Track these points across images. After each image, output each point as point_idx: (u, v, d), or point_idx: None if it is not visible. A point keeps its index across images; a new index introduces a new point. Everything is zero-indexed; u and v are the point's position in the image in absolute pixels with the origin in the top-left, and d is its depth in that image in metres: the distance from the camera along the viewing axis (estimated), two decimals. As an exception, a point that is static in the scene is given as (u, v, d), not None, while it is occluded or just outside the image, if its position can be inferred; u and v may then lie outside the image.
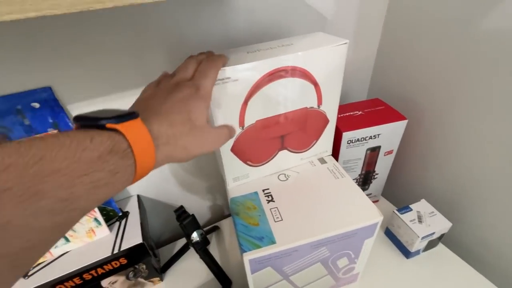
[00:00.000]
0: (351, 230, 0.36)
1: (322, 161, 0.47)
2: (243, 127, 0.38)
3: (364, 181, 0.57)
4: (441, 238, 0.52)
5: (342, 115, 0.51)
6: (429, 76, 0.51)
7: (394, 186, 0.68)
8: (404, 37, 0.54)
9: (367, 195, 0.60)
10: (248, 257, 0.33)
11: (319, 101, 0.40)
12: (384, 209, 0.56)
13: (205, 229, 0.60)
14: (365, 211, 0.37)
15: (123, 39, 0.39)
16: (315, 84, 0.38)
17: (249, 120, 0.37)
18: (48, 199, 0.14)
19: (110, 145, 0.18)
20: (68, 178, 0.15)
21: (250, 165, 0.43)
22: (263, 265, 0.35)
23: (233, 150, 0.39)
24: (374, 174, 0.56)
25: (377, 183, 0.59)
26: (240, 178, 0.43)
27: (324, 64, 0.37)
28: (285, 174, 0.45)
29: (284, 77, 0.35)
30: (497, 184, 0.46)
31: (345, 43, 0.36)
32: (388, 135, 0.50)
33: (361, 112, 0.52)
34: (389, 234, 0.55)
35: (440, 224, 0.49)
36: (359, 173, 0.55)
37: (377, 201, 0.63)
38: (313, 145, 0.45)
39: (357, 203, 0.38)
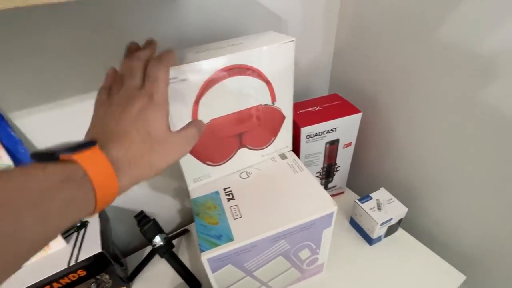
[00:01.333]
0: (307, 222, 0.37)
1: (283, 156, 0.48)
2: (197, 127, 0.38)
3: (327, 173, 0.59)
4: (400, 223, 0.55)
5: (300, 111, 0.53)
6: (385, 71, 0.54)
7: (358, 177, 0.70)
8: (358, 33, 0.57)
9: (332, 187, 0.63)
10: (206, 256, 0.33)
11: (273, 98, 0.41)
12: (350, 200, 0.58)
13: (174, 232, 0.59)
14: (321, 203, 0.38)
15: (64, 40, 0.38)
16: (267, 82, 0.39)
17: (202, 120, 0.37)
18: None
19: (65, 174, 0.17)
20: (13, 210, 0.15)
21: (211, 165, 0.43)
22: (222, 263, 0.36)
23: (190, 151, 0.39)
24: (336, 166, 0.58)
25: (340, 175, 0.61)
26: (202, 178, 0.43)
27: (273, 62, 0.37)
28: (246, 172, 0.46)
29: (235, 75, 0.36)
30: (448, 171, 0.49)
31: (292, 41, 0.37)
32: (345, 128, 0.52)
33: (318, 107, 0.54)
34: (353, 223, 0.57)
35: (397, 210, 0.52)
36: (322, 166, 0.57)
37: (342, 192, 0.66)
38: (272, 142, 0.46)
39: (314, 195, 0.40)
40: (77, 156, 0.18)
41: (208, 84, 0.35)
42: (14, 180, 0.15)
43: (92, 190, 0.19)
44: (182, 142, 0.26)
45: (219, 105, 0.38)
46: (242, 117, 0.40)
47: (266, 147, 0.46)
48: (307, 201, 0.39)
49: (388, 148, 0.59)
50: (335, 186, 0.63)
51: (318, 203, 0.38)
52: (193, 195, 0.42)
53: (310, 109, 0.53)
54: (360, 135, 0.60)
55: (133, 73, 0.26)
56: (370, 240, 0.54)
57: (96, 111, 0.26)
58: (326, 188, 0.62)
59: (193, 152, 0.40)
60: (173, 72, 0.32)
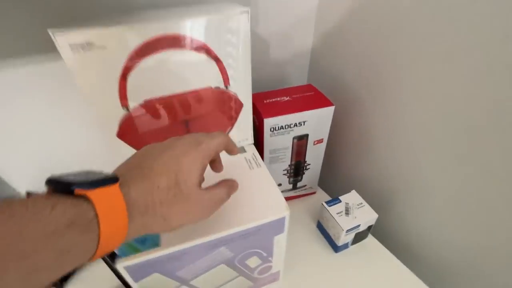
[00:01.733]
0: (251, 227, 0.31)
1: (242, 150, 0.43)
2: (127, 107, 0.31)
3: (296, 172, 0.53)
4: (370, 230, 0.50)
5: (267, 101, 0.47)
6: (363, 64, 0.48)
7: (330, 176, 0.65)
8: (337, 23, 0.51)
9: (301, 186, 0.58)
10: (122, 264, 0.28)
11: (226, 81, 0.35)
12: (320, 201, 0.53)
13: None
14: (272, 206, 0.33)
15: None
16: (217, 60, 0.33)
17: (134, 100, 0.31)
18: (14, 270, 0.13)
19: (74, 215, 0.16)
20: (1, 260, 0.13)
21: (151, 155, 0.37)
22: (146, 271, 0.30)
23: (121, 136, 0.33)
24: (305, 164, 0.53)
25: (311, 174, 0.56)
26: (139, 169, 0.37)
27: (223, 36, 0.31)
28: (196, 165, 0.40)
29: (174, 48, 0.30)
30: (426, 176, 0.45)
31: (246, 12, 0.31)
32: (316, 122, 0.47)
33: (288, 97, 0.48)
34: (320, 227, 0.52)
35: (366, 216, 0.47)
36: (289, 163, 0.51)
37: (313, 192, 0.61)
38: (228, 133, 0.41)
39: (266, 196, 0.34)
40: (93, 194, 0.17)
41: (138, 55, 0.28)
42: (15, 220, 0.14)
43: (97, 236, 0.17)
44: (208, 203, 0.24)
45: (156, 83, 0.31)
46: (187, 100, 0.34)
47: (221, 138, 0.41)
48: (256, 203, 0.33)
49: (363, 148, 0.54)
50: (305, 185, 0.57)
51: (269, 206, 0.33)
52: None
53: (278, 99, 0.48)
54: (333, 132, 0.55)
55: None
56: (335, 247, 0.49)
57: (137, 152, 0.24)
58: (295, 187, 0.57)
59: (126, 138, 0.34)
60: (90, 35, 0.25)
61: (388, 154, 0.49)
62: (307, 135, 0.48)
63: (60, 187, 0.17)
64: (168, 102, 0.33)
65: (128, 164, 0.22)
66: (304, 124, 0.46)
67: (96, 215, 0.16)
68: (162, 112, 0.33)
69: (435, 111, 0.39)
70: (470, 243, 0.41)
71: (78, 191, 0.16)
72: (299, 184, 0.56)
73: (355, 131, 0.55)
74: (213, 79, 0.34)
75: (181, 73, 0.32)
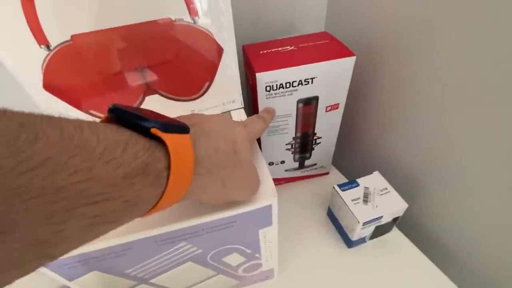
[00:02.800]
0: (218, 219, 0.22)
1: (227, 116, 0.33)
2: (48, 45, 0.22)
3: (302, 146, 0.42)
4: (396, 222, 0.39)
5: (265, 51, 0.36)
6: (400, 11, 0.34)
7: (348, 153, 0.53)
8: None
9: (310, 165, 0.47)
10: (37, 260, 0.20)
11: (192, 11, 0.24)
12: (334, 184, 0.43)
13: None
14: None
15: None
16: (174, -27, 0.22)
17: (55, 35, 0.22)
18: (21, 238, 0.09)
19: (145, 162, 0.13)
20: (65, 205, 0.10)
21: (100, 117, 0.28)
22: (80, 269, 0.22)
23: (48, 87, 0.24)
24: (315, 137, 0.42)
25: (323, 150, 0.44)
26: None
27: None
28: (166, 133, 0.31)
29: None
30: (471, 160, 0.32)
31: None
32: (329, 80, 0.35)
33: (293, 47, 0.36)
34: (331, 215, 0.42)
35: (392, 205, 0.35)
36: (293, 135, 0.40)
37: (326, 173, 0.50)
38: (206, 89, 0.30)
39: (248, 175, 0.25)
40: (169, 140, 0.14)
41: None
42: (86, 153, 0.10)
43: (162, 193, 0.14)
44: (257, 182, 0.23)
45: (84, 10, 0.22)
46: (136, 36, 0.24)
47: (197, 97, 0.31)
48: (232, 185, 0.24)
49: (391, 117, 0.41)
50: (315, 164, 0.47)
51: (248, 189, 0.23)
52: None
53: (280, 49, 0.36)
54: (353, 95, 0.43)
55: None
56: (349, 242, 0.39)
57: (183, 116, 0.21)
58: (302, 166, 0.46)
59: (59, 91, 0.25)
60: None
61: (423, 128, 0.37)
62: (316, 98, 0.36)
63: (126, 117, 0.14)
64: (108, 39, 0.23)
65: (183, 119, 0.18)
66: (312, 82, 0.34)
67: (168, 167, 0.14)
68: (103, 52, 0.24)
69: (492, 75, 0.26)
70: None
71: (155, 131, 0.13)
72: (307, 163, 0.46)
73: (383, 95, 0.42)
74: (173, 8, 0.24)
75: (123, -5, 0.22)
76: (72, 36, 0.22)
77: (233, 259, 0.28)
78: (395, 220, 0.38)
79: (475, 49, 0.28)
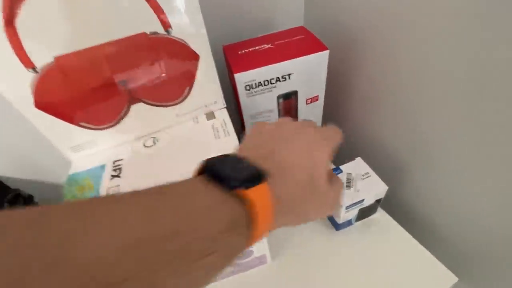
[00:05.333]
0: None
1: (210, 116, 0.35)
2: (34, 68, 0.24)
3: (288, 139, 0.45)
4: (379, 203, 0.41)
5: (243, 51, 0.37)
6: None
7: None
8: None
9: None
10: None
11: (164, 23, 0.26)
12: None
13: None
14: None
15: None
16: (143, -8, 0.24)
17: (40, 58, 0.24)
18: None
19: (232, 219, 0.15)
20: (184, 263, 0.12)
21: (93, 128, 0.30)
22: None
23: (40, 105, 0.27)
24: (299, 129, 0.44)
25: (309, 141, 0.46)
26: (84, 146, 0.31)
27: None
28: (154, 138, 0.33)
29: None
30: (450, 139, 0.34)
31: None
32: (306, 74, 0.36)
33: (270, 45, 0.37)
34: (320, 202, 0.45)
35: (373, 188, 0.38)
36: (278, 129, 0.42)
37: (315, 162, 0.52)
38: (187, 94, 0.32)
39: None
40: (253, 195, 0.15)
41: (20, -9, 0.20)
42: (193, 220, 0.13)
43: (246, 240, 0.15)
44: (334, 197, 0.22)
45: (67, 34, 0.24)
46: (115, 52, 0.26)
47: (180, 101, 0.33)
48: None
49: (371, 105, 0.43)
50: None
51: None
52: (74, 169, 0.31)
53: (257, 47, 0.37)
54: (334, 85, 0.44)
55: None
56: (336, 225, 0.41)
57: (254, 134, 0.22)
58: (290, 156, 0.48)
59: (50, 109, 0.27)
60: None
61: (402, 112, 0.38)
62: (295, 92, 0.38)
63: (213, 176, 0.16)
64: (89, 57, 0.25)
65: (253, 150, 0.20)
66: (289, 78, 0.36)
67: (252, 219, 0.15)
68: (85, 70, 0.26)
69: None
70: (505, 227, 0.31)
71: (239, 192, 0.15)
72: (295, 153, 0.48)
73: (364, 84, 0.43)
74: (145, 21, 0.25)
75: (100, 16, 0.24)
76: (55, 58, 0.24)
77: (224, 248, 0.31)
78: (378, 201, 0.40)
79: (452, 35, 0.29)
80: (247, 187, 0.15)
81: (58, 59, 0.24)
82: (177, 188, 0.15)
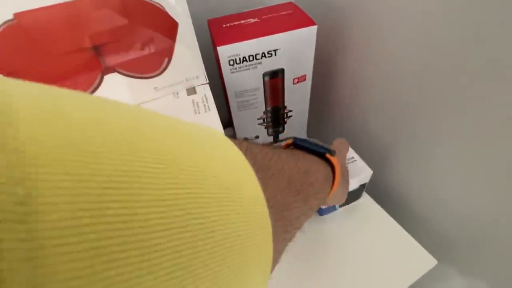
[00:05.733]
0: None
1: (191, 91, 0.33)
2: (-10, 26, 0.22)
3: (274, 120, 0.43)
4: (364, 188, 0.41)
5: (228, 25, 0.35)
6: None
7: (322, 125, 0.55)
8: None
9: (286, 139, 0.48)
10: None
11: (138, -18, 0.24)
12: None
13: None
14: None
15: None
16: None
17: (-3, 13, 0.22)
18: (309, 203, 0.18)
19: (326, 172, 0.22)
20: (317, 190, 0.20)
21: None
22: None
23: None
24: (286, 111, 0.42)
25: (295, 123, 0.45)
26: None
27: None
28: (131, 112, 0.31)
29: None
30: (433, 119, 0.33)
31: None
32: (293, 51, 0.35)
33: (256, 19, 0.36)
34: (305, 186, 0.44)
35: (358, 173, 0.37)
36: (264, 110, 0.41)
37: (302, 146, 0.51)
38: (166, 66, 0.31)
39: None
40: (333, 159, 0.23)
41: None
42: (318, 169, 0.21)
43: (329, 190, 0.23)
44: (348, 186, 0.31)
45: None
46: (84, 12, 0.24)
47: (158, 74, 0.31)
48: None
49: (360, 87, 0.42)
50: (290, 137, 0.48)
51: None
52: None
53: (243, 21, 0.36)
54: (322, 66, 0.43)
55: None
56: (320, 210, 0.41)
57: None
58: (276, 140, 0.47)
59: (11, 76, 0.25)
60: None
61: (388, 96, 0.37)
62: (282, 71, 0.36)
63: (306, 147, 0.23)
64: (54, 16, 0.23)
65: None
66: (276, 54, 0.34)
67: (333, 175, 0.23)
68: (50, 31, 0.24)
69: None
70: (480, 213, 0.31)
71: (328, 156, 0.22)
72: (281, 136, 0.47)
73: (352, 65, 0.42)
74: (117, -20, 0.23)
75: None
76: (15, 15, 0.22)
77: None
78: (363, 186, 0.40)
79: (445, 15, 0.28)
80: (332, 155, 0.22)
81: (18, 15, 0.22)
82: (291, 150, 0.22)
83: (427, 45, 0.30)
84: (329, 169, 0.22)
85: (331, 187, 0.22)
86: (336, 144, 0.30)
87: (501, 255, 0.32)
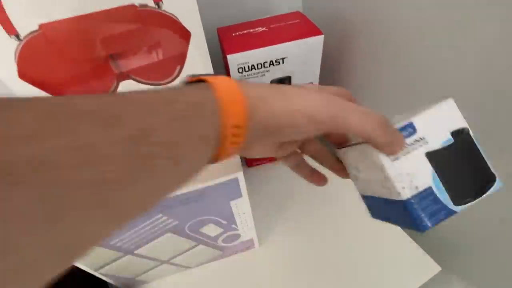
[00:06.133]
0: (188, 192, 0.24)
1: (201, 97, 0.34)
2: (17, 35, 0.23)
3: (281, 126, 0.44)
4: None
5: (237, 33, 0.37)
6: None
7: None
8: None
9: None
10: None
11: (155, -5, 0.25)
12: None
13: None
14: (216, 165, 0.25)
15: None
16: (132, -41, 0.23)
17: (24, 25, 0.23)
18: (126, 126, 0.11)
19: (192, 83, 0.15)
20: (148, 107, 0.12)
21: (80, 103, 0.30)
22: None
23: (24, 77, 0.26)
24: (292, 116, 0.43)
25: (301, 129, 0.46)
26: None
27: None
28: (143, 116, 0.33)
29: None
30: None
31: None
32: (300, 60, 0.36)
33: (264, 28, 0.37)
34: (310, 190, 0.45)
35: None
36: (270, 115, 0.42)
37: (308, 151, 0.52)
38: (178, 73, 0.32)
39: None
40: (206, 77, 0.15)
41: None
42: (150, 90, 0.13)
43: (214, 96, 0.14)
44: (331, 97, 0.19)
45: (51, 1, 0.23)
46: (102, 24, 0.25)
47: (170, 81, 0.32)
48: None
49: (368, 97, 0.43)
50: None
51: (214, 165, 0.25)
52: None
53: (251, 30, 0.37)
54: (329, 74, 0.44)
55: None
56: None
57: None
58: (282, 144, 0.48)
59: (35, 81, 0.26)
60: None
61: (398, 106, 0.38)
62: (289, 78, 0.37)
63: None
64: (75, 27, 0.24)
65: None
66: (283, 62, 0.35)
67: (210, 84, 0.15)
68: (71, 40, 0.25)
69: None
70: (484, 220, 0.31)
71: (188, 78, 0.16)
72: (287, 141, 0.48)
73: (359, 75, 0.43)
74: (135, -7, 0.25)
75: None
76: (40, 26, 0.23)
77: (210, 229, 0.31)
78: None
79: (452, 24, 0.29)
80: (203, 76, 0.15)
81: (42, 26, 0.23)
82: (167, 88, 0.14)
83: (434, 58, 0.30)
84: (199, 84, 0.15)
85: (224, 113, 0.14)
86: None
87: (505, 263, 0.32)
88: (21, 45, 0.24)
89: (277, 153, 0.21)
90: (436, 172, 0.19)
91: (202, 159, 0.14)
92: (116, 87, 0.30)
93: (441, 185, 0.19)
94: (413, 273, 0.36)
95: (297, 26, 0.36)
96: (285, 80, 0.37)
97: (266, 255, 0.39)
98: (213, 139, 0.14)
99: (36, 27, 0.23)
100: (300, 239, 0.40)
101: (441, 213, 0.19)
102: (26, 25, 0.23)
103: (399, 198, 0.19)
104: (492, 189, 0.20)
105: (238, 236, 0.34)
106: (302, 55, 0.35)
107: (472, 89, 0.28)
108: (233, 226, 0.32)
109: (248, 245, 0.38)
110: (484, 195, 0.19)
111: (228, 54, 0.33)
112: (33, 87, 0.27)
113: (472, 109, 0.28)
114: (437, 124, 0.19)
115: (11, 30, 0.23)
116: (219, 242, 0.34)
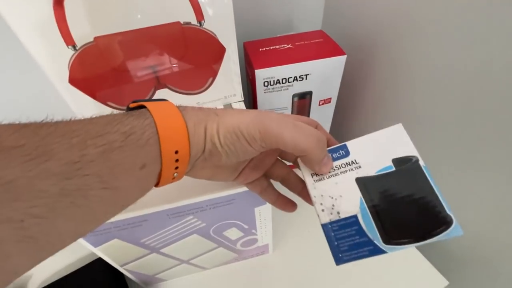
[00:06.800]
0: (220, 197, 0.26)
1: (228, 107, 0.36)
2: (74, 46, 0.26)
3: (297, 137, 0.46)
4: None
5: (264, 49, 0.39)
6: (390, 3, 0.37)
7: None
8: None
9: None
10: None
11: (199, 14, 0.28)
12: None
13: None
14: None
15: None
16: (183, -16, 0.25)
17: (81, 36, 0.25)
18: (57, 160, 0.11)
19: (127, 112, 0.16)
20: (80, 139, 0.13)
21: (117, 108, 0.32)
22: (105, 236, 0.27)
23: (73, 82, 0.28)
24: (309, 129, 0.45)
25: (316, 141, 0.48)
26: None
27: None
28: (174, 123, 0.35)
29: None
30: (451, 149, 0.35)
31: None
32: (322, 77, 0.38)
33: (290, 45, 0.39)
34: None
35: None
36: (289, 127, 0.44)
37: (320, 162, 0.54)
38: (210, 84, 0.34)
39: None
40: (145, 103, 0.16)
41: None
42: (83, 119, 0.14)
43: (152, 122, 0.15)
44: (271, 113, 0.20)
45: (106, 15, 0.25)
46: (151, 39, 0.28)
47: (201, 91, 0.34)
48: (232, 168, 0.28)
49: (383, 113, 0.45)
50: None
51: (245, 172, 0.27)
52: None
53: (277, 47, 0.39)
54: (347, 89, 0.46)
55: None
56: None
57: None
58: (297, 154, 0.50)
59: (82, 86, 0.29)
60: None
61: (413, 121, 0.40)
62: (310, 93, 0.40)
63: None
64: (125, 40, 0.27)
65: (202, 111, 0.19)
66: (306, 78, 0.38)
67: (148, 110, 0.15)
68: (119, 53, 0.27)
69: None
70: (492, 234, 0.33)
71: (132, 105, 0.16)
72: (302, 151, 0.50)
73: (376, 91, 0.45)
74: (182, 11, 0.27)
75: (140, 3, 0.25)
76: (95, 38, 0.26)
77: (233, 233, 0.33)
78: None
79: (471, 43, 0.31)
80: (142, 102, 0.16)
81: (97, 39, 0.26)
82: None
83: (455, 78, 0.32)
84: (134, 112, 0.15)
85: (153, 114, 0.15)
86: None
87: None
88: (75, 54, 0.26)
89: (237, 178, 0.20)
90: (365, 200, 0.16)
91: (142, 186, 0.15)
92: (153, 94, 0.32)
93: (370, 216, 0.16)
94: (420, 287, 0.37)
95: (321, 45, 0.38)
96: (307, 95, 0.40)
97: (279, 261, 0.41)
98: (151, 166, 0.14)
99: (91, 39, 0.26)
100: (312, 246, 0.42)
101: (365, 248, 0.16)
102: (83, 37, 0.25)
103: (320, 222, 0.17)
104: (443, 235, 0.16)
105: (255, 240, 0.36)
106: (325, 72, 0.37)
107: (498, 113, 0.30)
108: (253, 231, 0.34)
109: (263, 250, 0.40)
110: (430, 240, 0.16)
111: (256, 69, 0.35)
112: (79, 91, 0.29)
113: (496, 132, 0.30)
114: (377, 149, 0.17)
115: (70, 41, 0.25)
116: (238, 246, 0.36)
